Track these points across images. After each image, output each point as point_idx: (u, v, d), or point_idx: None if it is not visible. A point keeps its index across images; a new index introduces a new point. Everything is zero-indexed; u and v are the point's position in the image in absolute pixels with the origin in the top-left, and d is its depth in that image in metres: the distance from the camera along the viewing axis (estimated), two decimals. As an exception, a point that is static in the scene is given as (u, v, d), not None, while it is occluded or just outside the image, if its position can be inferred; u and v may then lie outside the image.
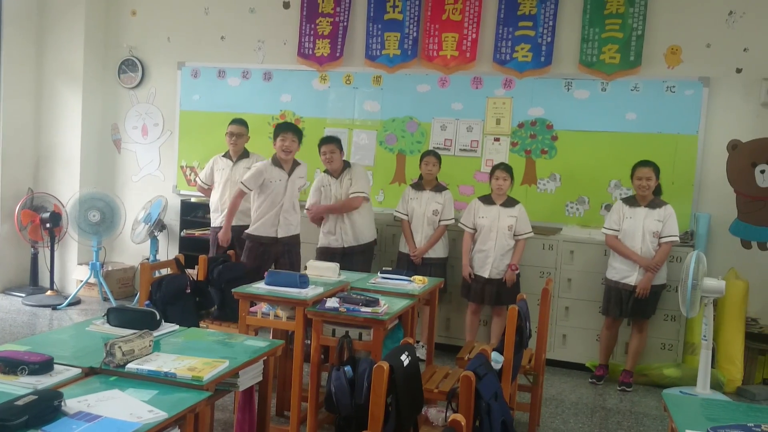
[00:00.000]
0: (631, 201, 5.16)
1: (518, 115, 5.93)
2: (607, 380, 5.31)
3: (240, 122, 5.94)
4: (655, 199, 5.11)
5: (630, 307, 5.10)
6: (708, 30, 5.47)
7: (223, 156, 5.99)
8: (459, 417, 2.01)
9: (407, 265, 5.40)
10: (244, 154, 5.96)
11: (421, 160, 5.55)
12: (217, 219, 5.93)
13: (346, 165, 5.56)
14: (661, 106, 5.57)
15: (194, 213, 6.70)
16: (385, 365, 2.47)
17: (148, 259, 6.69)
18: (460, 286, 5.50)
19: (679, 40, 5.55)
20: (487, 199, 5.33)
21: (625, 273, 5.10)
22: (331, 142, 5.47)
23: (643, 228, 5.04)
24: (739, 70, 5.43)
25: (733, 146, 5.47)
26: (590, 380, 5.28)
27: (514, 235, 5.27)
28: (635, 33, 5.58)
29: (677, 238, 5.07)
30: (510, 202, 5.30)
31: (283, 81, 6.58)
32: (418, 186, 5.58)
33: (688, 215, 5.52)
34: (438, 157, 5.53)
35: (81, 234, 6.67)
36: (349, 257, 5.42)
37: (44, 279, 7.02)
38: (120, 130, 7.23)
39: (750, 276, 5.32)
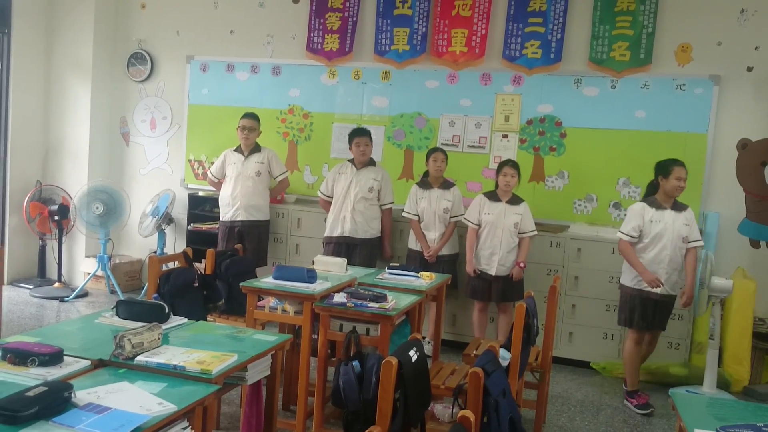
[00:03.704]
0: (655, 203, 4.76)
1: (527, 111, 5.92)
2: (611, 379, 5.30)
3: (252, 116, 5.97)
4: (677, 201, 4.78)
5: (656, 318, 4.74)
6: (719, 28, 5.44)
7: (234, 150, 6.03)
8: (468, 413, 2.01)
9: (418, 262, 5.40)
10: (256, 149, 5.99)
11: (428, 157, 5.54)
12: (227, 213, 5.97)
13: (371, 161, 5.64)
14: (670, 104, 5.55)
15: (202, 207, 6.72)
16: (394, 361, 2.47)
17: (155, 252, 6.70)
18: (465, 284, 5.49)
19: (689, 37, 5.52)
20: (492, 196, 5.32)
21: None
22: (365, 134, 5.66)
23: (672, 233, 4.68)
24: (750, 69, 5.40)
25: (743, 145, 5.44)
26: (639, 411, 4.69)
27: (519, 233, 5.26)
28: (646, 30, 5.55)
29: (702, 243, 4.83)
30: (515, 200, 5.29)
31: (292, 76, 6.58)
32: (425, 184, 5.57)
33: (697, 214, 5.48)
34: (445, 154, 5.52)
35: (86, 226, 6.69)
36: (352, 248, 5.57)
37: (52, 271, 7.05)
38: (128, 123, 7.25)
39: (758, 275, 5.30)
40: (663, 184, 4.72)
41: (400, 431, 2.57)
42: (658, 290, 4.65)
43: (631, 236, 4.73)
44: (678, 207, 4.76)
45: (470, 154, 6.07)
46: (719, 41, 5.45)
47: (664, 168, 4.74)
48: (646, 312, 4.72)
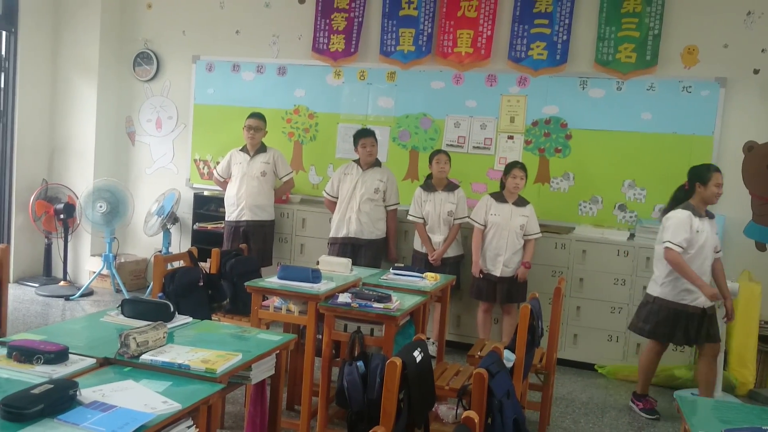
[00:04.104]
0: (696, 211, 4.48)
1: (532, 113, 5.91)
2: (615, 381, 5.29)
3: (258, 116, 5.98)
4: (707, 209, 4.59)
5: (704, 332, 4.50)
6: (725, 30, 5.43)
7: (240, 150, 6.04)
8: (472, 414, 2.00)
9: (423, 264, 5.40)
10: (261, 149, 6.00)
11: (431, 160, 5.53)
12: (233, 213, 5.98)
13: (377, 162, 5.65)
14: (676, 107, 5.54)
15: (207, 206, 6.73)
16: (398, 361, 2.47)
17: (160, 251, 6.71)
18: (470, 285, 5.48)
19: (696, 40, 5.51)
20: (499, 197, 5.32)
21: (697, 293, 4.47)
22: (370, 135, 5.67)
23: (711, 242, 4.51)
24: (756, 71, 5.39)
25: (749, 148, 5.43)
26: (645, 415, 4.65)
27: (524, 235, 5.26)
28: (652, 32, 5.54)
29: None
30: (521, 202, 5.29)
31: (298, 76, 6.59)
32: (429, 187, 5.55)
33: (703, 216, 5.48)
34: (448, 156, 5.52)
35: (91, 225, 6.71)
36: (357, 249, 5.57)
37: (57, 269, 7.07)
38: (134, 122, 7.26)
39: (764, 278, 5.28)
40: (701, 191, 4.50)
41: (404, 432, 2.57)
42: (708, 303, 4.46)
43: (682, 248, 4.42)
44: (710, 215, 4.59)
45: (475, 155, 6.07)
46: (725, 43, 5.44)
47: (701, 174, 4.53)
48: (689, 328, 4.49)
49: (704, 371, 4.59)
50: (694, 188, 4.54)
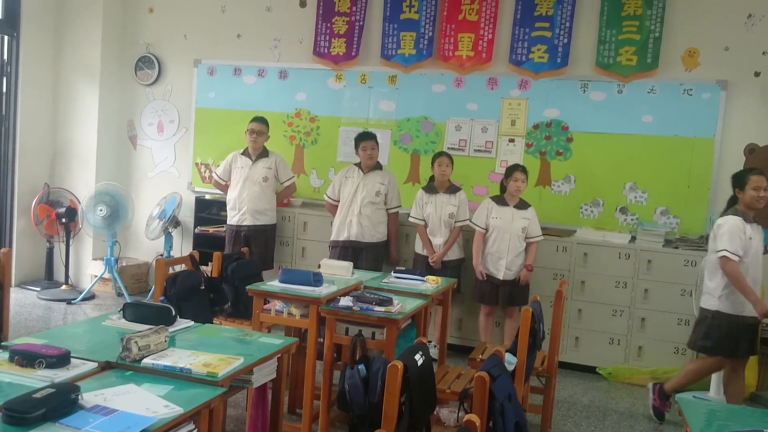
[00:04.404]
0: (747, 217, 4.26)
1: (533, 116, 5.92)
2: (617, 384, 5.29)
3: (261, 120, 5.98)
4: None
5: (756, 344, 4.32)
6: (726, 33, 5.43)
7: (242, 154, 6.03)
8: (473, 417, 2.01)
9: (425, 267, 5.41)
10: (264, 153, 6.00)
11: (433, 162, 5.53)
12: (234, 217, 5.98)
13: (378, 165, 5.65)
14: (677, 109, 5.54)
15: (209, 210, 6.74)
16: (400, 364, 2.47)
17: (162, 255, 6.71)
18: (472, 288, 5.49)
19: (697, 42, 5.51)
20: (500, 200, 5.32)
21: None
22: (371, 138, 5.67)
23: (761, 250, 4.30)
24: (757, 74, 5.39)
25: (751, 150, 5.43)
26: (652, 413, 4.64)
27: (526, 238, 5.26)
28: (653, 35, 5.55)
29: None
30: (522, 204, 5.29)
31: (299, 79, 6.60)
32: (431, 189, 5.56)
33: (704, 219, 5.48)
34: (451, 158, 5.52)
35: (89, 228, 6.72)
36: (358, 252, 5.57)
37: (59, 273, 7.07)
38: (136, 126, 7.27)
39: (765, 281, 5.25)
40: (741, 196, 4.30)
41: (406, 435, 2.57)
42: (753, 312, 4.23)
43: (739, 256, 4.16)
44: (757, 221, 4.37)
45: (477, 158, 6.07)
46: (726, 46, 5.44)
47: (738, 179, 4.35)
48: (746, 339, 4.28)
49: (734, 383, 4.38)
50: (737, 195, 4.38)
